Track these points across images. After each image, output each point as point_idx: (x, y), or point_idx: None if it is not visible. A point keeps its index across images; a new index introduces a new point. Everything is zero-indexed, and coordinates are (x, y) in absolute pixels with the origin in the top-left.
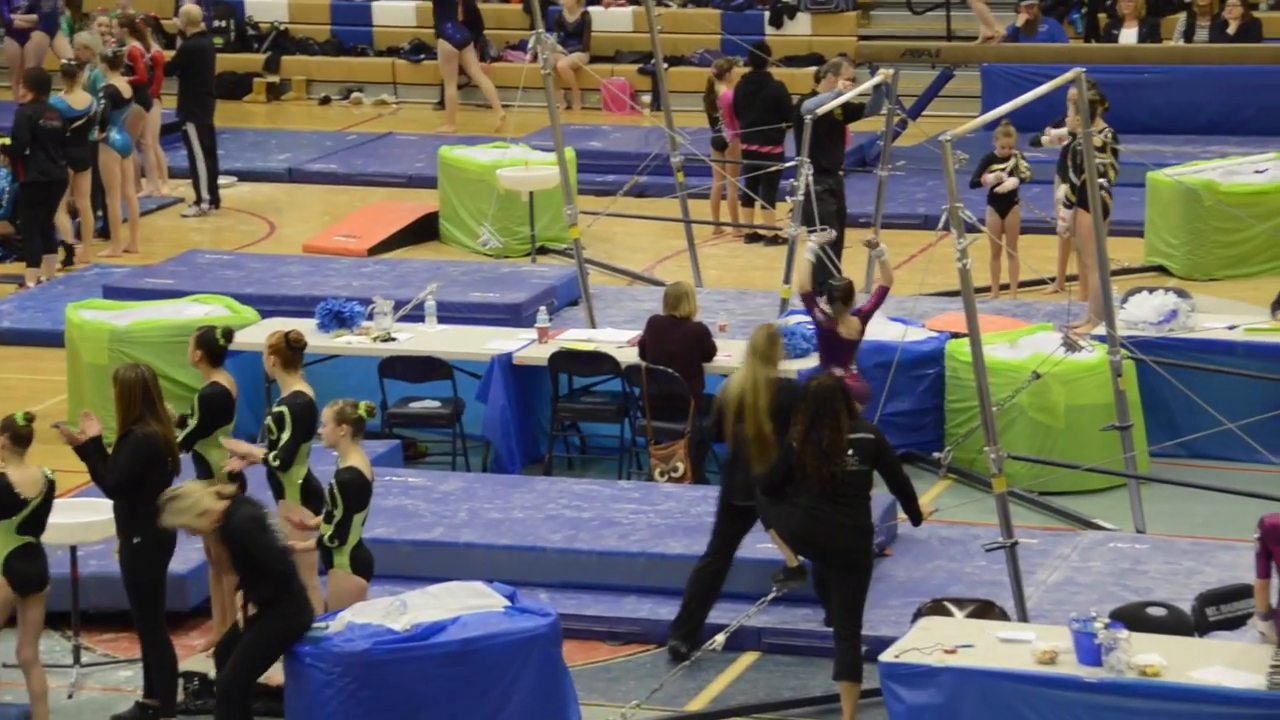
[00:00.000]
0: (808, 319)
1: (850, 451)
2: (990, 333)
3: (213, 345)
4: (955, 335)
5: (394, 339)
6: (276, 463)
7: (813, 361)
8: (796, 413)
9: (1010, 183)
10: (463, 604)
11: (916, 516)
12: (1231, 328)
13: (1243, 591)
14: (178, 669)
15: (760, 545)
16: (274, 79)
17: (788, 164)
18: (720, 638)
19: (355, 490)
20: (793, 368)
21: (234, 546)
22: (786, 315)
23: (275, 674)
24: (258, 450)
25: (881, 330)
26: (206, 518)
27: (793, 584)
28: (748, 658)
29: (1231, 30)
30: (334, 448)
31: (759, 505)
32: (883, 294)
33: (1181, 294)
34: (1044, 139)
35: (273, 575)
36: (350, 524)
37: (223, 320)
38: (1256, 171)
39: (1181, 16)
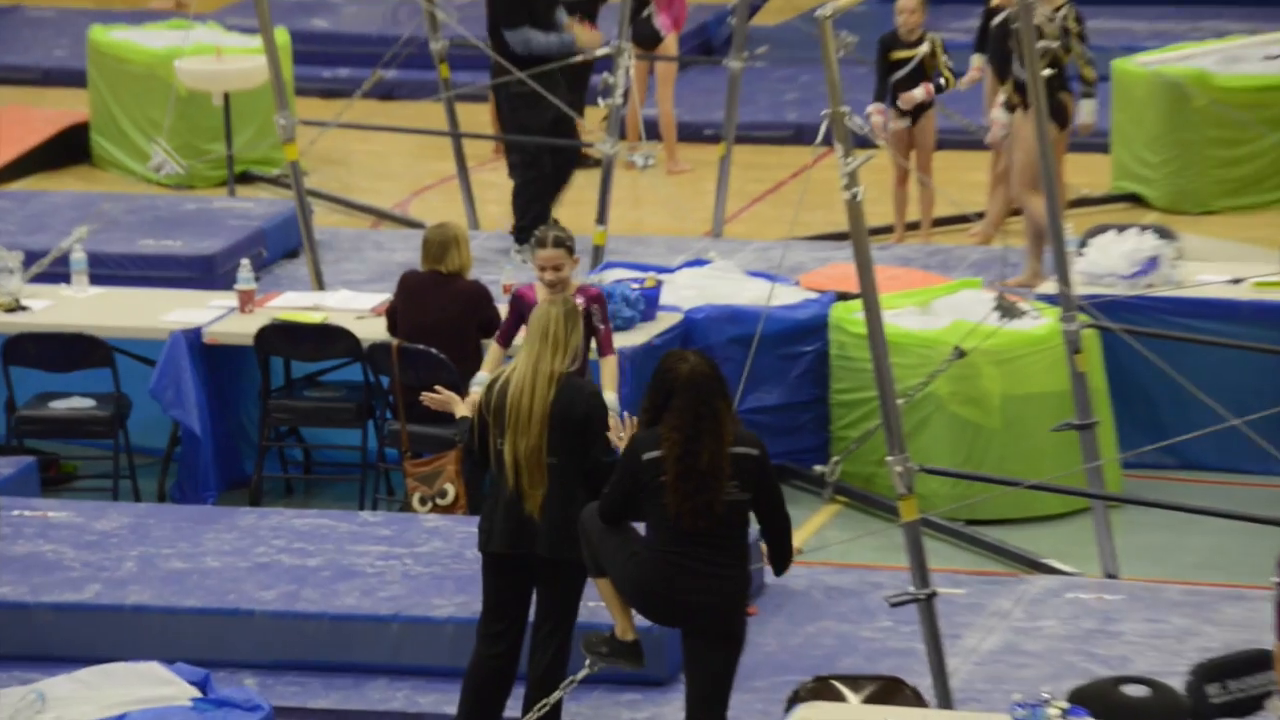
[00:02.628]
0: (632, 276)
1: (730, 472)
2: (894, 292)
3: None
4: (843, 296)
5: (25, 308)
6: None
7: (638, 335)
8: (660, 410)
9: (918, 93)
10: (130, 696)
11: (786, 563)
12: (1234, 281)
13: (1256, 661)
14: None
15: (596, 602)
16: None
17: (601, 52)
18: None
19: None
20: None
21: None
22: (601, 269)
23: None
24: None
25: (736, 289)
26: None
27: (618, 662)
28: None
29: None
30: None
31: (586, 539)
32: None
33: (1163, 233)
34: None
35: None
36: None
37: None
38: (1267, 58)
39: None
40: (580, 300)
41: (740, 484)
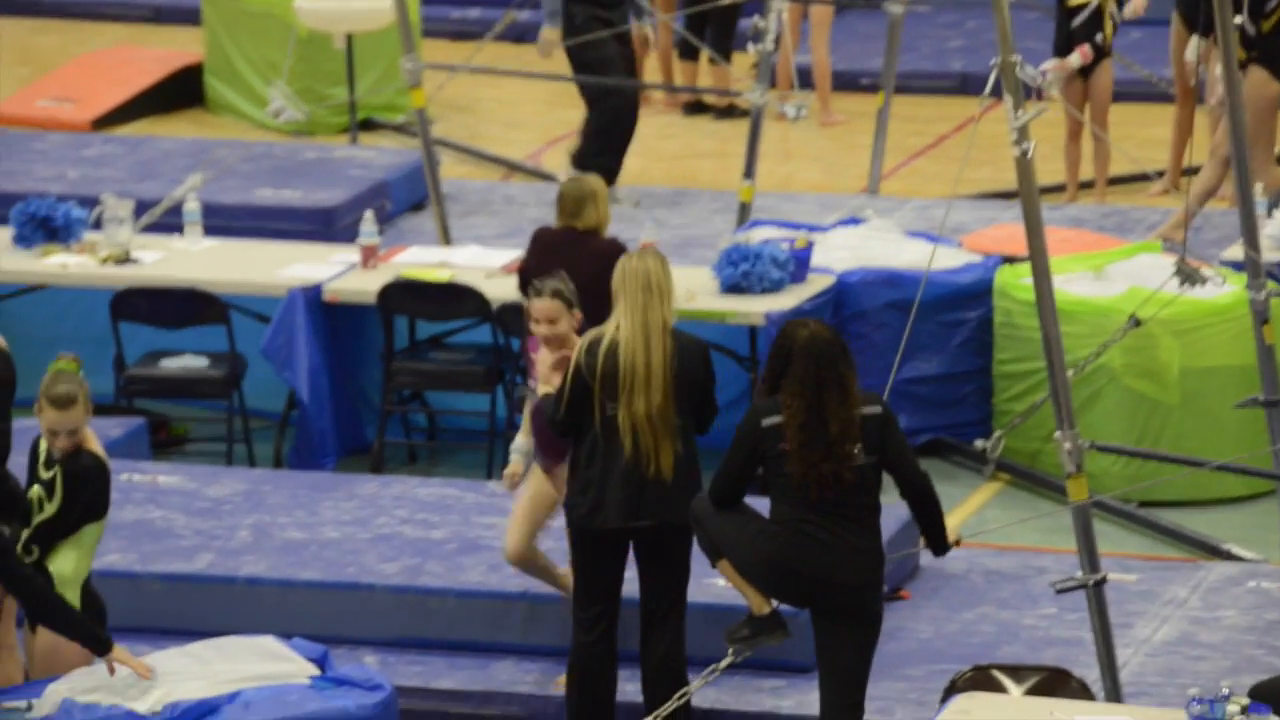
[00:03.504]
0: (781, 235)
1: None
2: (1065, 256)
3: None
4: (1009, 260)
5: (134, 260)
6: None
7: (787, 299)
8: (779, 377)
9: (1074, 60)
10: (245, 672)
11: (941, 541)
12: None
13: None
14: None
15: (709, 580)
16: None
17: None
18: None
19: (93, 485)
20: (757, 309)
21: None
22: (747, 228)
23: None
24: None
25: (894, 251)
26: None
27: (764, 640)
28: None
29: None
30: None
31: (699, 525)
32: None
33: None
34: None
35: None
36: (80, 541)
37: None
38: None
39: None
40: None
41: (865, 446)
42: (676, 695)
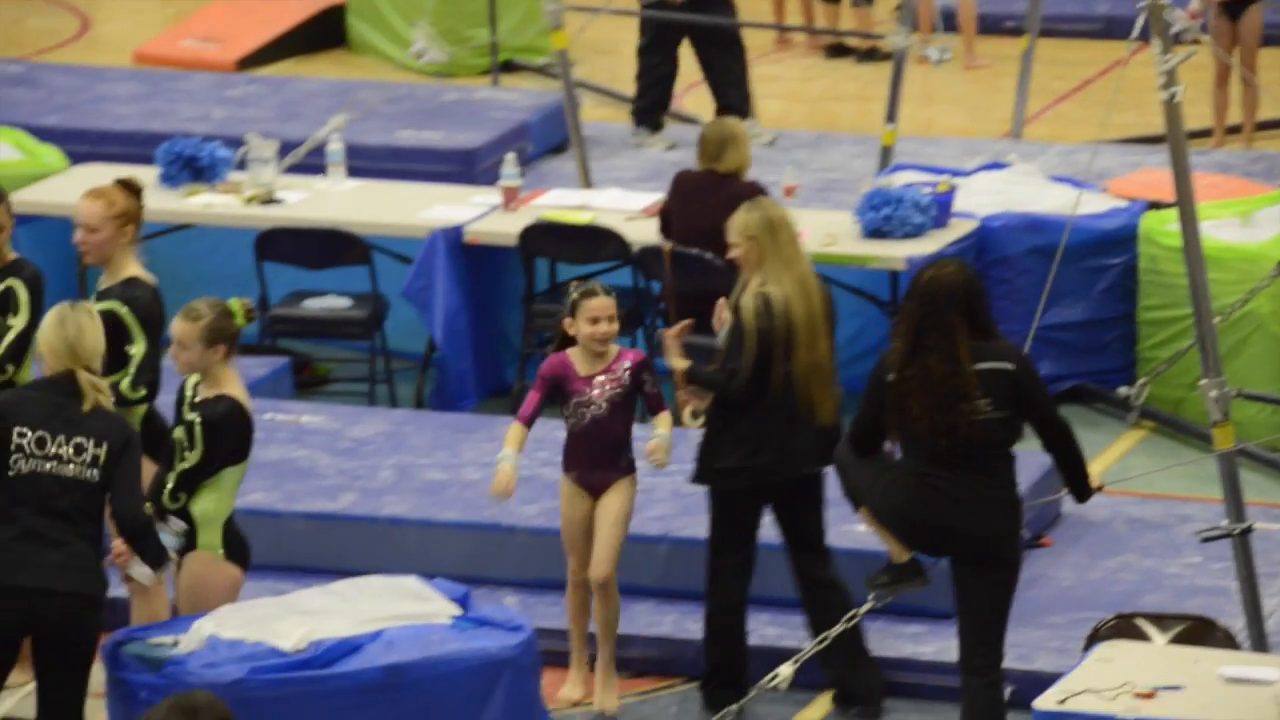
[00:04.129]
0: (923, 179)
1: (980, 390)
2: (1212, 202)
3: None
4: (1155, 205)
5: (278, 201)
6: (140, 393)
7: (929, 244)
8: (896, 324)
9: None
10: (387, 611)
11: (1084, 488)
12: None
13: None
14: None
15: (847, 527)
16: None
17: None
18: (786, 669)
19: (231, 431)
20: (898, 254)
21: None
22: (889, 171)
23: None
24: None
25: (1037, 196)
26: None
27: (903, 587)
28: (825, 701)
29: None
30: (196, 373)
31: (841, 472)
32: None
33: None
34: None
35: None
36: (220, 482)
37: (7, 163)
38: None
39: None
40: (629, 363)
41: (994, 401)
42: (845, 617)
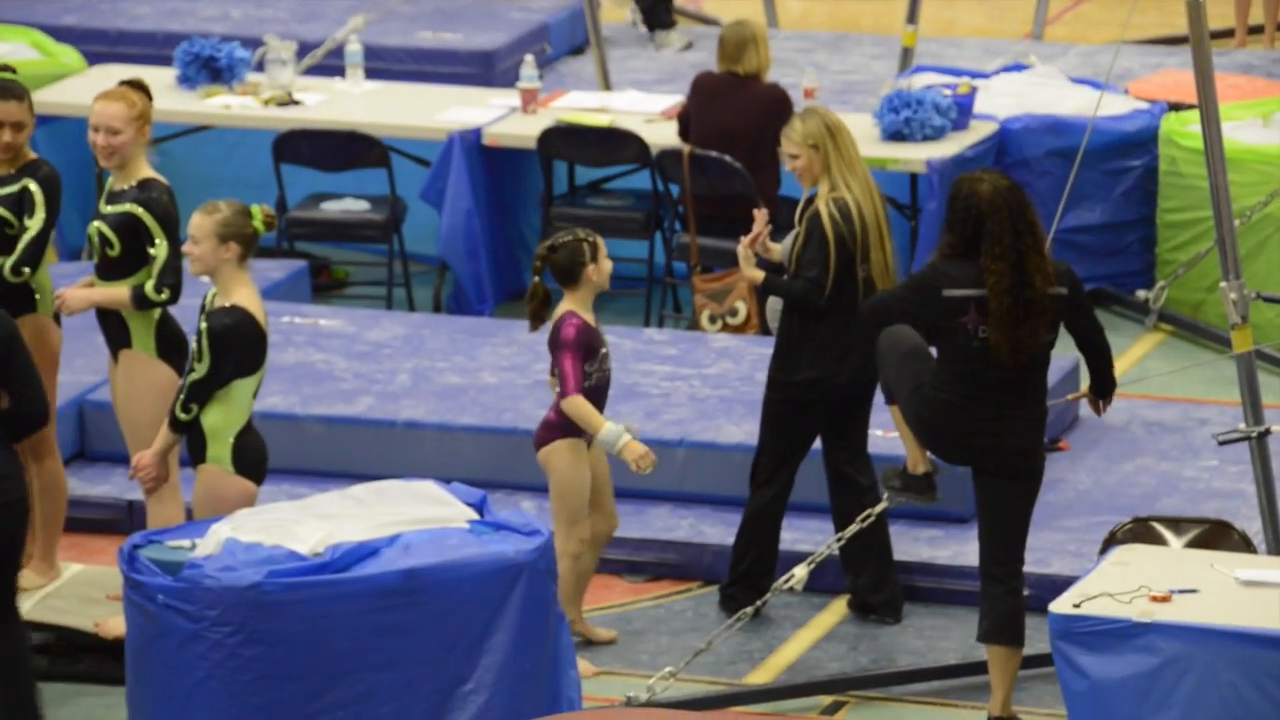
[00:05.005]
0: (943, 81)
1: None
2: (1233, 103)
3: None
4: (1176, 107)
5: (297, 102)
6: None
7: (949, 146)
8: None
9: None
10: (405, 515)
11: (1109, 384)
12: None
13: None
14: None
15: (874, 431)
16: None
17: None
18: (800, 571)
19: (240, 342)
20: (918, 156)
21: None
22: (910, 73)
23: (113, 622)
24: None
25: (1058, 97)
26: None
27: (911, 497)
28: (842, 606)
29: None
30: (208, 275)
31: (881, 363)
32: None
33: None
34: None
35: None
36: (230, 394)
37: (24, 63)
38: None
39: None
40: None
41: (1051, 325)
42: (861, 515)
